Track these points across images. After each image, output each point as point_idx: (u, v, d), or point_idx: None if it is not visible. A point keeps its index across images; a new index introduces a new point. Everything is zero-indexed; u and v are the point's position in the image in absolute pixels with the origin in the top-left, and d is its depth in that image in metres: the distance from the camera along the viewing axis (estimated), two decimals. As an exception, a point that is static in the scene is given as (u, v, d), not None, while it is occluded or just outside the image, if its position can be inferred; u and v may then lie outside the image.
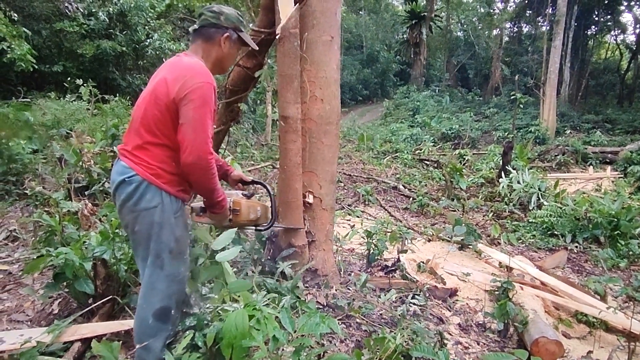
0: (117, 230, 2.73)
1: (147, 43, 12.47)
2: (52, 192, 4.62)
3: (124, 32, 12.37)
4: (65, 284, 2.57)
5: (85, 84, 9.16)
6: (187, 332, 1.94)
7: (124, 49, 12.09)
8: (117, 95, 10.96)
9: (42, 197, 4.77)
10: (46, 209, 4.22)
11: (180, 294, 1.98)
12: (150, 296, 1.89)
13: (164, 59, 12.63)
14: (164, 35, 12.66)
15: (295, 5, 2.77)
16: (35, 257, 2.81)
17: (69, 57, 11.99)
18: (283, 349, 1.93)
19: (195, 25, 2.06)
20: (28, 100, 9.51)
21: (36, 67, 9.59)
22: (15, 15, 9.61)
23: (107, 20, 11.98)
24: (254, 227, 2.42)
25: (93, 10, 11.95)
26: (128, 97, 10.95)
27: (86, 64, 12.09)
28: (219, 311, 2.04)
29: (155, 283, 1.89)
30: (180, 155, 1.81)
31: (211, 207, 2.02)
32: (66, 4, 11.50)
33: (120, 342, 2.06)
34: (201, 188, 1.93)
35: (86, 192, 4.77)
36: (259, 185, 2.50)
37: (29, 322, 2.70)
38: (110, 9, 11.89)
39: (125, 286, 2.67)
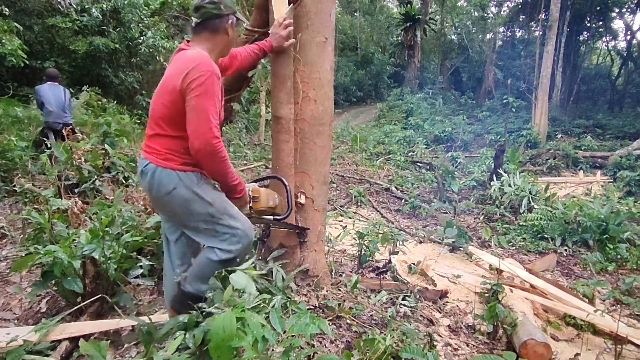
0: (106, 229, 2.71)
1: (140, 40, 12.34)
2: (42, 190, 4.57)
3: (118, 29, 12.24)
4: (53, 282, 2.53)
5: (87, 89, 9.09)
6: (178, 334, 1.93)
7: (117, 46, 11.95)
8: (109, 91, 10.85)
9: (31, 194, 4.71)
10: (35, 206, 4.17)
11: (245, 246, 2.04)
12: (213, 255, 1.99)
13: (157, 57, 12.59)
14: (158, 33, 12.54)
15: (289, 5, 2.77)
16: (23, 255, 2.77)
17: (61, 53, 11.84)
18: (273, 350, 1.93)
19: (195, 19, 2.07)
20: (19, 95, 9.39)
21: (27, 62, 9.49)
22: (7, 9, 9.49)
23: (101, 17, 11.84)
24: (271, 217, 2.46)
25: (86, 6, 11.82)
26: (115, 97, 10.86)
27: (78, 61, 11.94)
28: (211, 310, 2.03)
29: (217, 246, 1.99)
30: (188, 144, 1.89)
31: (229, 192, 2.08)
32: (59, 0, 11.38)
33: (109, 341, 2.04)
34: (213, 172, 2.00)
35: (76, 190, 4.73)
36: (274, 180, 2.59)
37: (16, 321, 2.66)
38: (104, 6, 11.76)
39: (114, 285, 2.65)
